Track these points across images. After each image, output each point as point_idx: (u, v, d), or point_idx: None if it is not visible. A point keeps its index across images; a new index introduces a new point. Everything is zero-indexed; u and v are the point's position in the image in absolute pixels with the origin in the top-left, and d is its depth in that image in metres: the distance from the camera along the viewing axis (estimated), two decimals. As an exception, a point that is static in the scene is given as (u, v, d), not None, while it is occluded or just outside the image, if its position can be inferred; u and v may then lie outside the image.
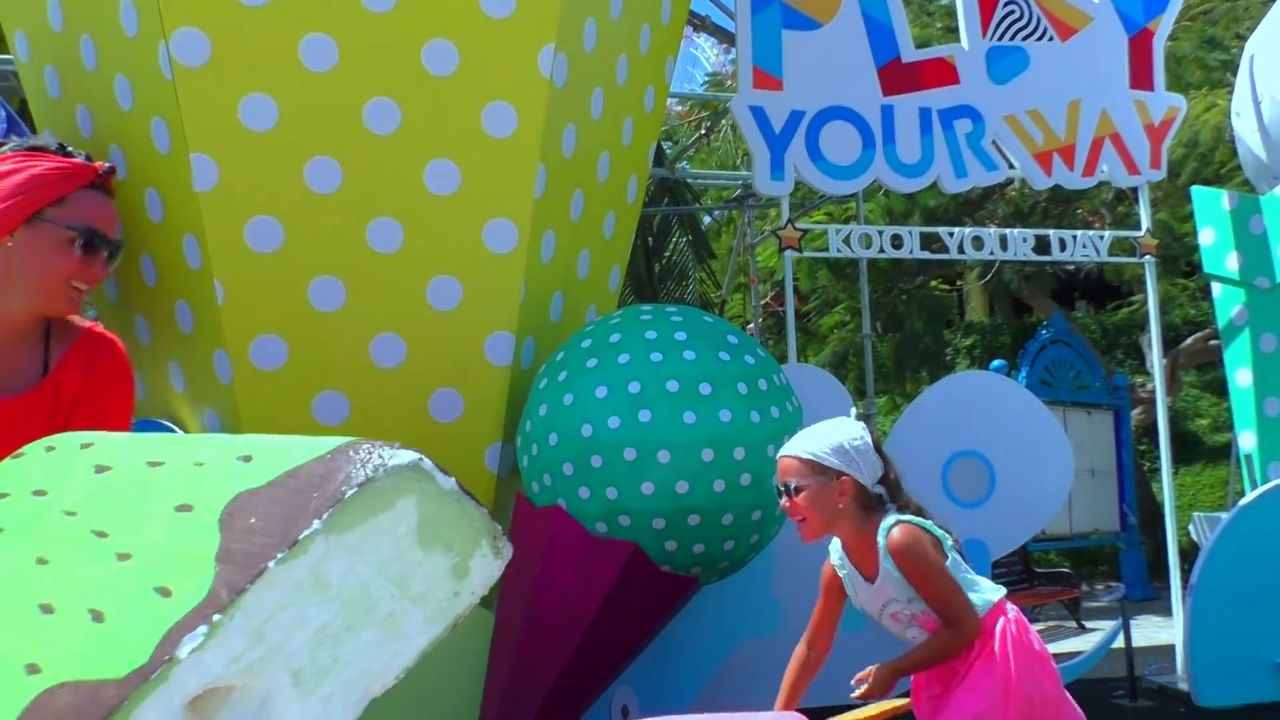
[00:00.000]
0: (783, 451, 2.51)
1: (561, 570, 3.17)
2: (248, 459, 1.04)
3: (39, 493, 1.18)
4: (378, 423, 3.54)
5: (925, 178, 5.08)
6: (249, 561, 0.88)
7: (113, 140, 3.58)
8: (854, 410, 2.82)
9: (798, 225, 5.09)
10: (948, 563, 2.41)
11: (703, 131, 7.73)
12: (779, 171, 4.84)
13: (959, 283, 14.49)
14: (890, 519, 2.43)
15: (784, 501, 2.47)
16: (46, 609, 1.03)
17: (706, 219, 10.42)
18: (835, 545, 2.55)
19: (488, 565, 0.92)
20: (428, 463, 0.90)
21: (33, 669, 0.96)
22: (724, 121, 8.31)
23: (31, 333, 1.97)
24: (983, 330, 15.20)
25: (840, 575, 2.54)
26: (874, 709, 2.65)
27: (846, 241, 5.13)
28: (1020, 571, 7.52)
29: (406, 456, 0.89)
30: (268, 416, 3.49)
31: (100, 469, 1.17)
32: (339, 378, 3.51)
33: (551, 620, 3.19)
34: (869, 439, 2.51)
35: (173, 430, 3.55)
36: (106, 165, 2.00)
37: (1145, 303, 6.14)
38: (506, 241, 3.55)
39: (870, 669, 2.40)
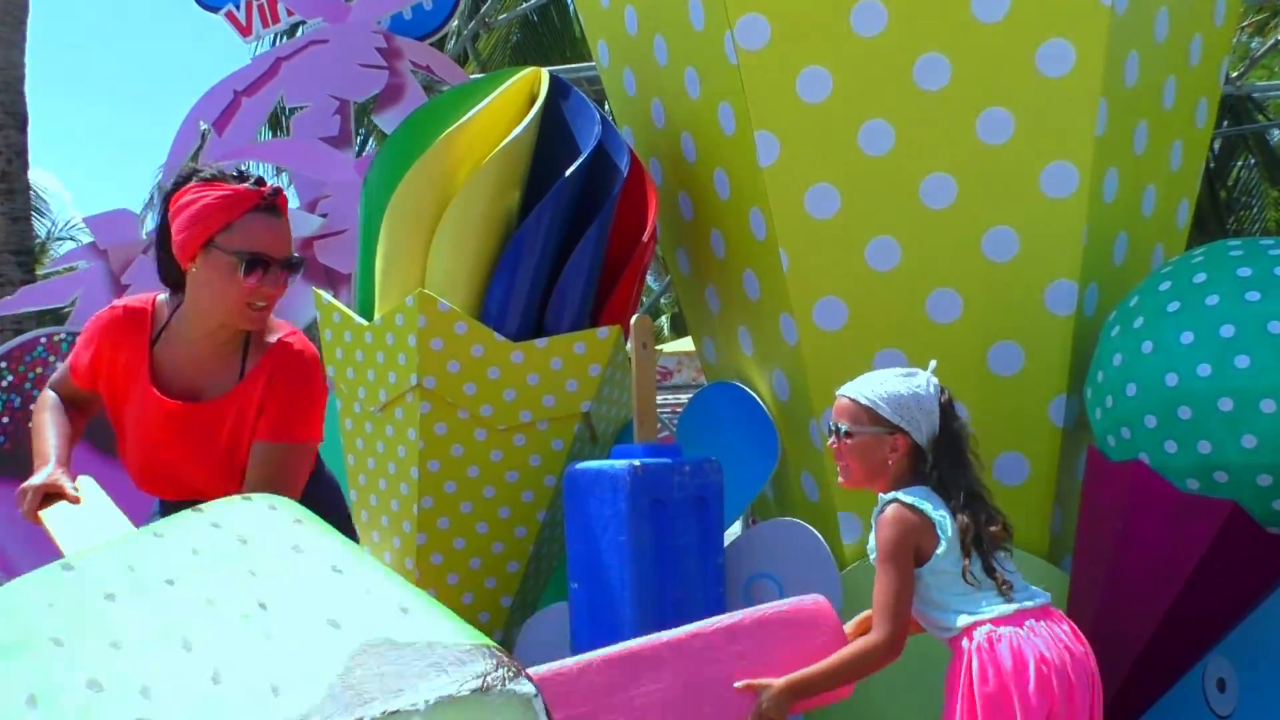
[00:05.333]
0: (841, 390, 2.47)
1: (1148, 529, 2.99)
2: (405, 611, 1.19)
3: (242, 540, 1.39)
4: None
5: None
6: (352, 702, 1.02)
7: (683, 128, 3.96)
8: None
9: None
10: (925, 565, 2.26)
11: (1278, 39, 6.71)
12: (1393, 70, 4.09)
13: None
14: (902, 492, 2.33)
15: (831, 440, 2.45)
16: (186, 645, 1.20)
17: (1276, 134, 9.10)
18: None
19: None
20: (539, 702, 1.00)
21: (144, 691, 1.14)
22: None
23: (228, 344, 2.24)
24: None
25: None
26: None
27: None
28: None
29: (526, 688, 1.01)
30: (830, 375, 3.65)
31: (296, 549, 1.36)
32: (897, 335, 3.59)
33: (1138, 583, 3.03)
34: (936, 395, 2.35)
35: (744, 391, 3.84)
36: (272, 187, 2.17)
37: None
38: (1066, 185, 3.40)
39: (766, 682, 2.18)
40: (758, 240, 3.73)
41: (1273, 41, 6.47)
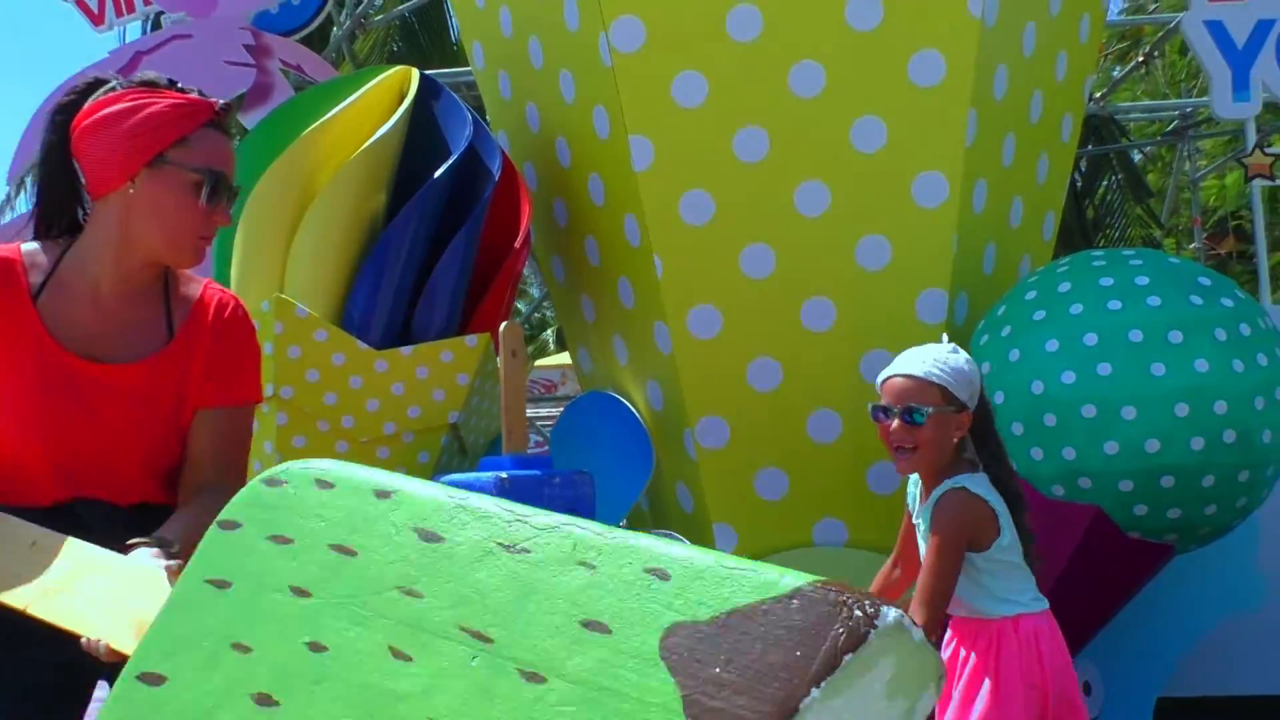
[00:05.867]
0: (898, 370, 2.28)
1: (1015, 535, 3.00)
2: (664, 576, 0.88)
3: (343, 550, 1.00)
4: (810, 386, 3.56)
5: None
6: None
7: (559, 132, 3.87)
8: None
9: (1268, 150, 4.46)
10: (987, 551, 2.20)
11: (1140, 59, 7.00)
12: (1243, 91, 4.26)
13: None
14: (966, 479, 2.22)
15: (893, 423, 2.22)
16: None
17: (1136, 156, 9.50)
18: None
19: (929, 702, 0.88)
20: (906, 619, 0.84)
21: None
22: (1149, 49, 7.50)
23: (144, 293, 1.74)
24: None
25: (910, 494, 2.36)
26: None
27: (1332, 162, 4.43)
28: None
29: (891, 615, 0.83)
30: (705, 384, 3.62)
31: (427, 536, 0.97)
32: (771, 343, 3.56)
33: (1006, 587, 3.03)
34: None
35: (619, 401, 3.77)
36: (223, 101, 1.75)
37: None
38: (936, 195, 3.42)
39: None
40: (632, 247, 3.66)
41: (1133, 64, 6.79)
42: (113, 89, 1.71)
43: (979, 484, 2.25)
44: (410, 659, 0.91)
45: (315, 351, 3.33)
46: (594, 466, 3.52)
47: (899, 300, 3.50)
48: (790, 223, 3.47)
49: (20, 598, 1.39)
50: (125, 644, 1.26)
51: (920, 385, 2.23)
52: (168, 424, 1.73)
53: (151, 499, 1.71)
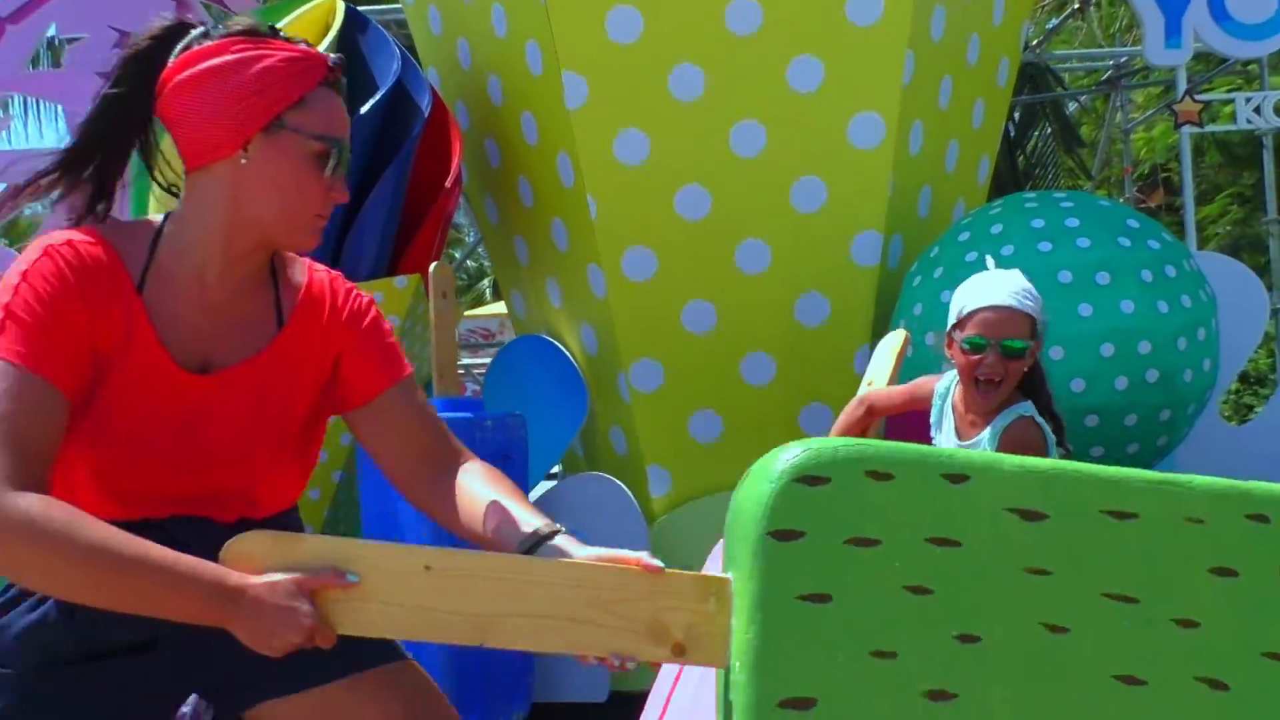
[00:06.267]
0: (996, 302, 2.15)
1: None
2: (1263, 519, 1.01)
3: (944, 542, 1.03)
4: (745, 328, 3.55)
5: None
6: None
7: (489, 69, 3.77)
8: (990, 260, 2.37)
9: (1197, 97, 4.51)
10: None
11: (1076, 6, 7.03)
12: (1175, 38, 4.29)
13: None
14: (1027, 406, 2.16)
15: (989, 357, 2.12)
16: (1129, 680, 0.99)
17: (1070, 105, 9.58)
18: (951, 380, 2.27)
19: None
20: None
21: None
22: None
23: (259, 274, 1.48)
24: None
25: (936, 405, 2.29)
26: None
27: (1258, 111, 4.48)
28: None
29: None
30: (639, 327, 3.59)
31: (1028, 515, 1.03)
32: (706, 286, 3.54)
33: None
34: None
35: (552, 345, 3.72)
36: (335, 56, 1.45)
37: None
38: (873, 136, 3.40)
39: None
40: (566, 187, 3.60)
41: (1069, 12, 6.82)
42: (206, 36, 1.39)
43: (1036, 413, 2.21)
44: (1067, 630, 1.01)
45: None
46: (528, 410, 3.49)
47: (834, 242, 3.49)
48: (726, 164, 3.43)
49: (498, 634, 1.16)
50: (661, 655, 1.13)
51: (1016, 317, 2.14)
52: (276, 425, 1.47)
53: (250, 514, 1.45)
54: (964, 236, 3.14)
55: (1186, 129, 4.46)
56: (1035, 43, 6.58)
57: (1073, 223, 2.97)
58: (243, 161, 1.38)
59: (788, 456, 1.04)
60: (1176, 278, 2.92)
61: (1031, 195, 3.22)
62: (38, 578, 1.24)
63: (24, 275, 1.33)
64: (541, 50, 3.47)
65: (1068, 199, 3.12)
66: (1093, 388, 2.85)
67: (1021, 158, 7.88)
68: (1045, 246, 2.94)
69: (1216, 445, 3.49)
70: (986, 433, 2.18)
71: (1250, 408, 9.22)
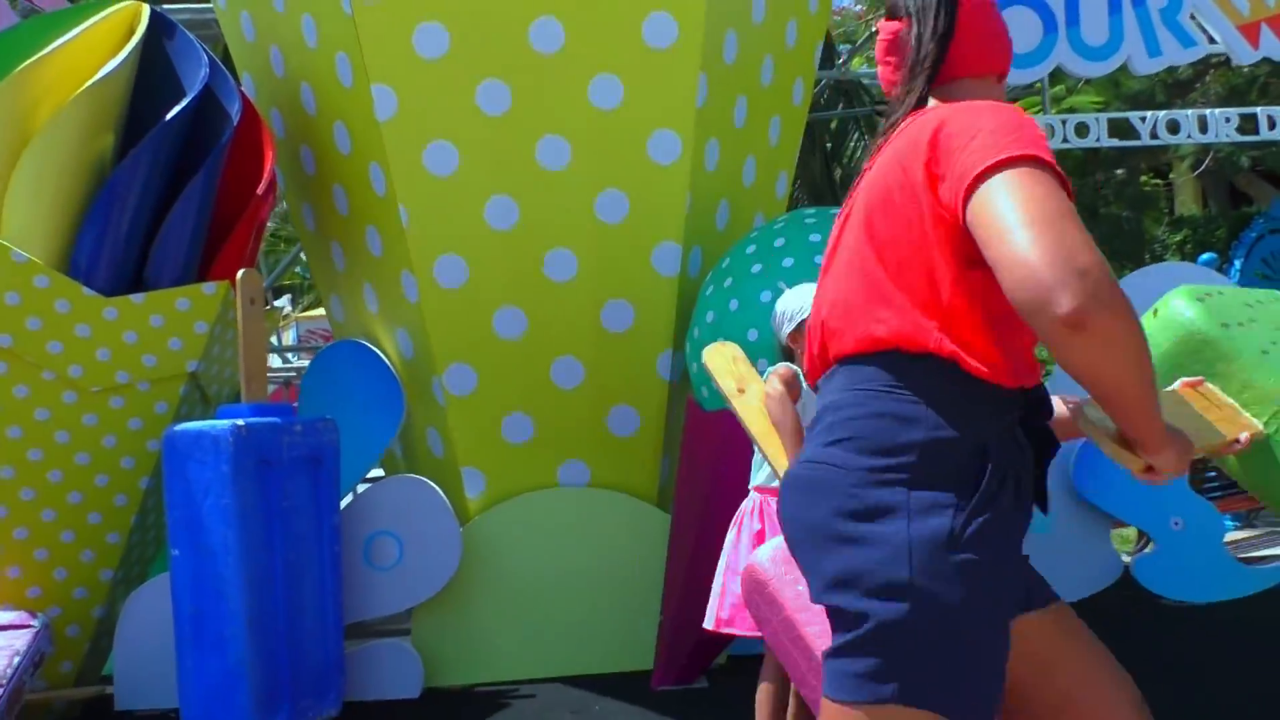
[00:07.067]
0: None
1: (733, 472, 3.25)
2: None
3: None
4: (554, 335, 3.70)
5: (1113, 60, 4.78)
6: None
7: (303, 78, 3.81)
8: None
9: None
10: None
11: (875, 29, 7.44)
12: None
13: (1170, 175, 13.51)
14: None
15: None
16: None
17: (883, 121, 10.09)
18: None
19: None
20: None
21: None
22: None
23: None
24: (1194, 224, 14.15)
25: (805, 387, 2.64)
26: None
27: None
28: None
29: None
30: (452, 332, 3.70)
31: None
32: (516, 293, 3.67)
33: (725, 521, 3.28)
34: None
35: (368, 349, 3.78)
36: None
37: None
38: (670, 152, 3.60)
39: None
40: (379, 196, 3.68)
41: (869, 32, 7.24)
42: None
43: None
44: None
45: (36, 298, 3.19)
46: (345, 414, 3.56)
47: (636, 252, 3.67)
48: (533, 176, 3.57)
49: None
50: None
51: None
52: None
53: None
54: (751, 249, 3.37)
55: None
56: (841, 61, 6.96)
57: (846, 237, 3.23)
58: (974, 87, 1.48)
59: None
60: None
61: (811, 211, 3.47)
62: (1119, 359, 1.19)
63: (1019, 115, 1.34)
64: (351, 63, 3.54)
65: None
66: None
67: (839, 170, 8.29)
68: (820, 259, 3.19)
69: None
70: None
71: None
